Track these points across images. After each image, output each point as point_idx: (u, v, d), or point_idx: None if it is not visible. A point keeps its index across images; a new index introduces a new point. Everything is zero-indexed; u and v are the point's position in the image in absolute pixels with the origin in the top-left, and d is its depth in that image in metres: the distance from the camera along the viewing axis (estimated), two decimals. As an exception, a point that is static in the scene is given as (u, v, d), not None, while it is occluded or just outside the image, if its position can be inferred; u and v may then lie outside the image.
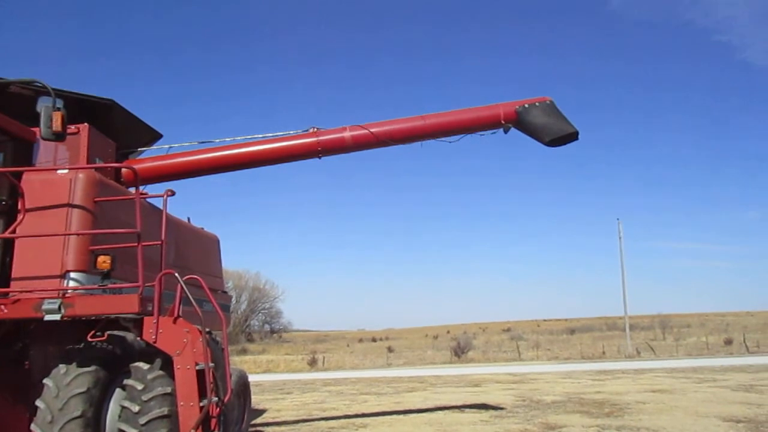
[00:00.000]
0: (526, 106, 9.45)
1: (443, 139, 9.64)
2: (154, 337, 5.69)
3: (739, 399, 13.48)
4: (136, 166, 7.80)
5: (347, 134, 9.15)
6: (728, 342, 48.78)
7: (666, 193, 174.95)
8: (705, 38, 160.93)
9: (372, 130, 9.19)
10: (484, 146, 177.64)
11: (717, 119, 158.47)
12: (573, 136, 9.53)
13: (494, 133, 9.75)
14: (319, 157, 9.28)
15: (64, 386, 5.62)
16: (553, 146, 9.60)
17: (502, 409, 13.22)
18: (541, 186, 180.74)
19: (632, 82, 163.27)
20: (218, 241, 10.34)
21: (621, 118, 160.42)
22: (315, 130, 9.11)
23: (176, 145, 9.04)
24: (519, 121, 9.47)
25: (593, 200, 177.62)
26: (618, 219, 49.55)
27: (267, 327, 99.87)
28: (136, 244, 5.93)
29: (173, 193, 6.47)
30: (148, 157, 8.93)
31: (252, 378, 11.35)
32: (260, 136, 9.14)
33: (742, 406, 12.32)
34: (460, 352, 48.30)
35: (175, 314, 5.84)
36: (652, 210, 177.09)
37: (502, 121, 9.48)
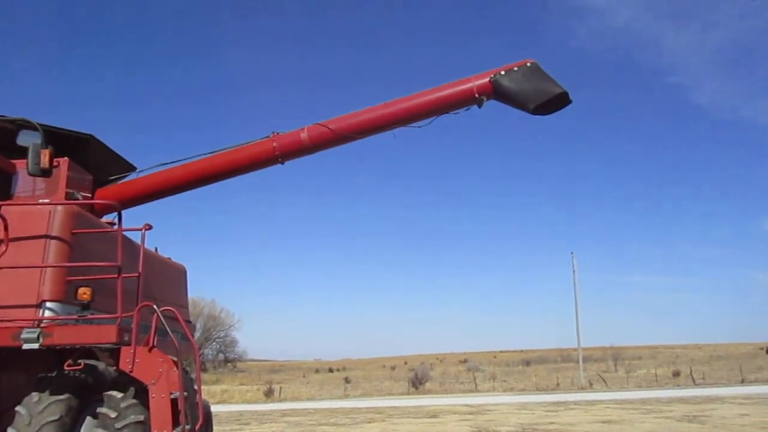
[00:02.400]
0: (503, 73, 8.28)
1: (413, 125, 8.75)
2: (130, 366, 5.89)
3: (682, 429, 14.16)
4: (105, 197, 7.98)
5: (304, 134, 8.55)
6: (676, 374, 50.30)
7: (619, 226, 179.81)
8: (657, 80, 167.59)
9: (331, 126, 8.52)
10: (442, 178, 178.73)
11: (667, 154, 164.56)
12: (563, 99, 8.30)
13: (468, 109, 8.71)
14: (281, 162, 8.80)
15: (37, 413, 5.75)
16: (540, 114, 8.42)
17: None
18: (496, 217, 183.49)
19: (587, 116, 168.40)
20: (185, 272, 10.50)
21: (575, 150, 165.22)
22: (274, 135, 8.66)
23: (145, 168, 8.82)
24: (496, 92, 8.31)
25: (547, 231, 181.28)
26: (572, 252, 51.13)
27: (221, 356, 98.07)
28: (113, 276, 6.16)
29: (150, 227, 6.70)
30: (114, 185, 8.76)
31: (213, 408, 11.40)
32: (222, 148, 8.75)
33: (684, 435, 12.99)
34: (417, 383, 48.47)
35: (151, 344, 6.06)
36: (606, 243, 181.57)
37: (476, 95, 8.38)
